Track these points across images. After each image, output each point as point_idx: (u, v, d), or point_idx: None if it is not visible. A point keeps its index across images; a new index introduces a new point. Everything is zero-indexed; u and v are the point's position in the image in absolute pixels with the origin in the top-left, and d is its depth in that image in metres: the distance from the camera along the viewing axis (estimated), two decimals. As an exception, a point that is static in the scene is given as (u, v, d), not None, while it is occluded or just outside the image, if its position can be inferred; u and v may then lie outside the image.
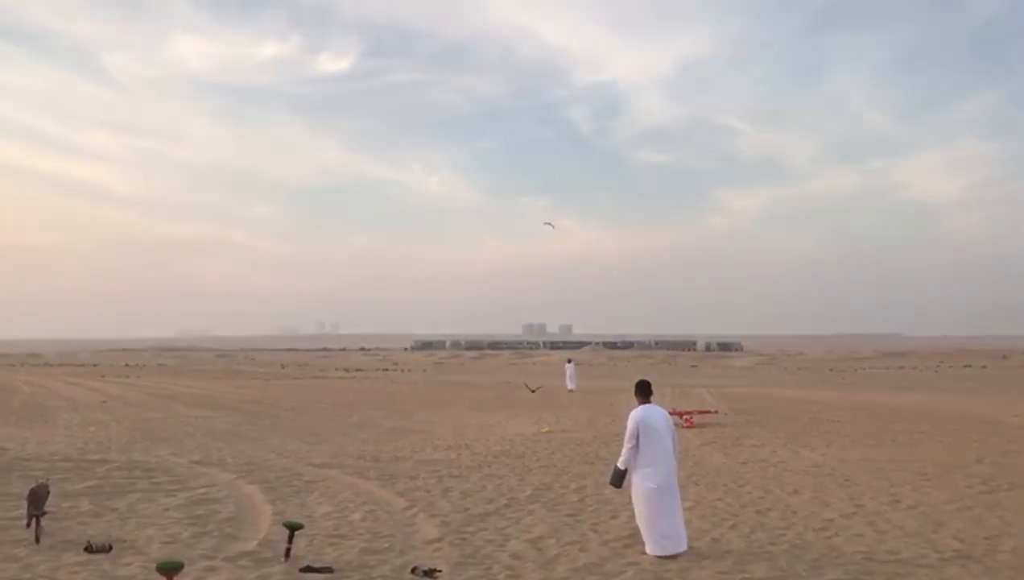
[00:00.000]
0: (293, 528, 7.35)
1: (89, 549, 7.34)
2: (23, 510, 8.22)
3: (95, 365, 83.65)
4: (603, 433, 17.79)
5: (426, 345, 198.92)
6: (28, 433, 17.69)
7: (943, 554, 7.35)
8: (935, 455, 14.02)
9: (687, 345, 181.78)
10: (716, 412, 22.17)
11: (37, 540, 7.61)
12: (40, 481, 8.96)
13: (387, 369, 76.80)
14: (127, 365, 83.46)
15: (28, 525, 7.87)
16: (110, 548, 7.40)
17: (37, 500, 7.90)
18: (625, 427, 7.78)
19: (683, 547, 7.42)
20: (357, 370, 72.91)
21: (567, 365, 38.52)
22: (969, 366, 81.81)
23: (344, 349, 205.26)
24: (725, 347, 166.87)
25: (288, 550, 7.18)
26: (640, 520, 7.61)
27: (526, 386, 38.12)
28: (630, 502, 7.97)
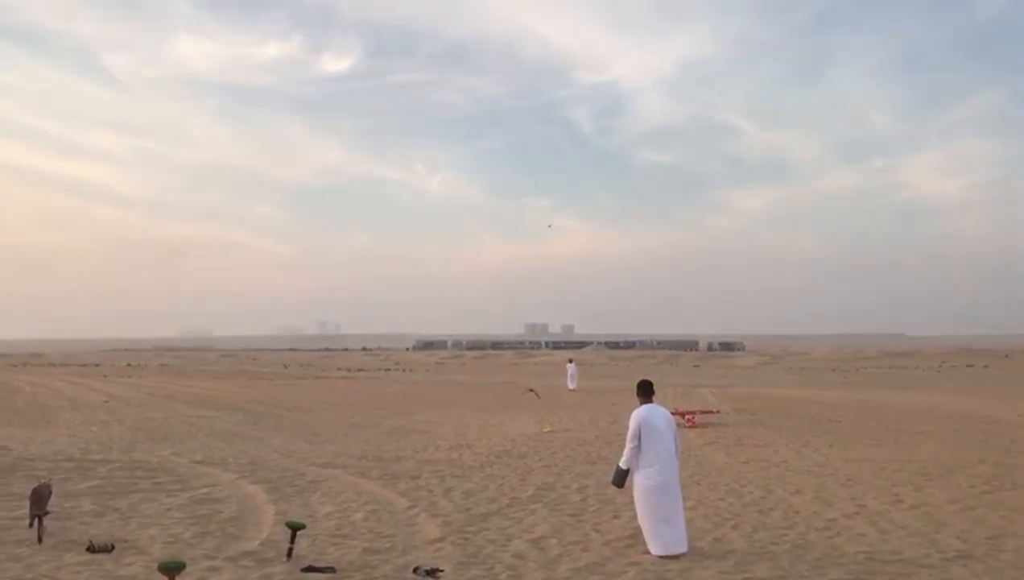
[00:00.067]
0: (295, 528, 7.35)
1: (91, 549, 7.35)
2: (26, 510, 8.23)
3: (97, 365, 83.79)
4: (605, 433, 17.79)
5: (428, 345, 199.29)
6: (31, 433, 17.72)
7: (946, 554, 7.34)
8: (937, 455, 14.00)
9: (689, 345, 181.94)
10: (718, 412, 22.16)
11: (40, 540, 7.62)
12: (42, 481, 8.97)
13: (389, 369, 76.82)
14: (129, 365, 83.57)
15: (31, 525, 7.88)
16: (112, 548, 7.41)
17: (39, 500, 7.92)
18: (627, 427, 7.79)
19: (684, 547, 7.42)
20: (359, 370, 72.94)
21: (568, 365, 38.56)
22: (972, 366, 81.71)
23: (346, 349, 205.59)
24: (727, 347, 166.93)
25: (290, 550, 7.18)
26: (642, 520, 7.60)
27: (530, 390, 38.06)
28: (632, 502, 7.96)
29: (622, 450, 7.86)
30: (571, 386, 35.45)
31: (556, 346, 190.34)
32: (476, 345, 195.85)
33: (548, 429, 18.77)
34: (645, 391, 7.98)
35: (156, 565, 6.40)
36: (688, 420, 19.13)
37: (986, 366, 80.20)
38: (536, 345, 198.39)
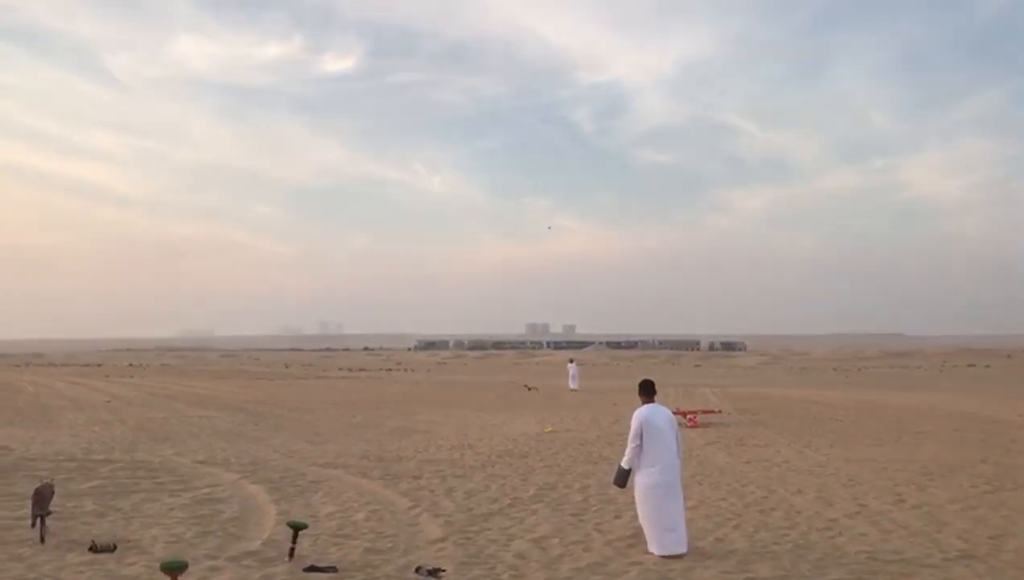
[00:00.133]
0: (297, 528, 7.35)
1: (93, 549, 7.35)
2: (28, 510, 8.23)
3: (99, 365, 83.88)
4: (606, 433, 17.79)
5: (429, 345, 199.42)
6: (32, 433, 17.73)
7: (947, 554, 7.34)
8: (939, 455, 14.00)
9: (691, 345, 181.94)
10: (720, 412, 22.16)
11: (42, 540, 7.63)
12: (45, 481, 9.00)
13: (390, 369, 76.85)
14: (130, 365, 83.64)
15: (33, 525, 7.90)
16: (114, 548, 7.41)
17: (42, 500, 7.93)
18: (629, 427, 7.79)
19: (685, 548, 7.42)
20: (360, 370, 72.98)
21: (569, 365, 38.54)
22: (973, 366, 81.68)
23: (347, 349, 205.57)
24: (728, 347, 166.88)
25: (292, 550, 7.19)
26: (643, 520, 7.60)
27: (527, 387, 38.14)
28: (633, 502, 7.96)
29: (624, 450, 7.86)
30: (572, 386, 35.44)
31: (557, 346, 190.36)
32: (477, 345, 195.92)
33: (550, 429, 18.77)
34: (647, 391, 7.97)
35: (158, 565, 6.41)
36: (690, 420, 19.12)
37: (988, 366, 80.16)
38: (537, 345, 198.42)
